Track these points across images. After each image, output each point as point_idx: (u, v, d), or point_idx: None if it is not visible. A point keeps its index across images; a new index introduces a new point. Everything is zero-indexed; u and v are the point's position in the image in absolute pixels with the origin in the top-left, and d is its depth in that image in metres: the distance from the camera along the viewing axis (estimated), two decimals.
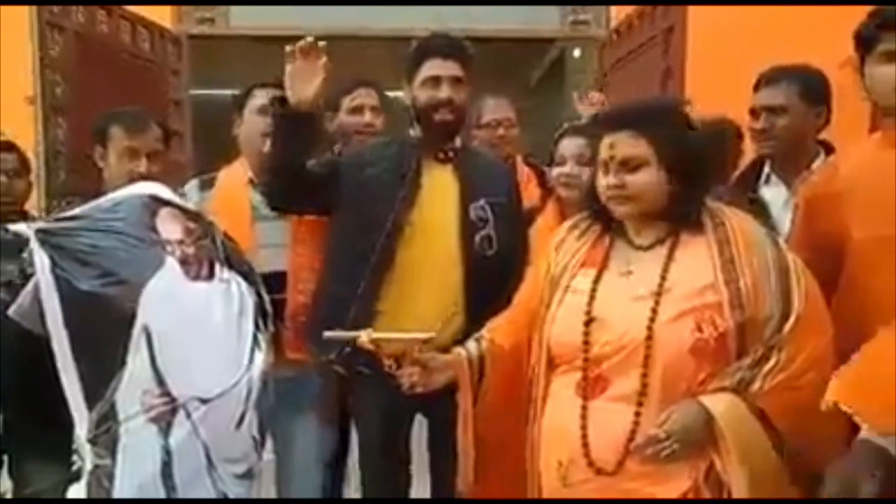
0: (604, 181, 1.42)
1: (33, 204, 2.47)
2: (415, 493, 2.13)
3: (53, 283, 1.40)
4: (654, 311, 1.33)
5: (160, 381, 1.41)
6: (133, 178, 1.94)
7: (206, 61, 4.54)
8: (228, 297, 1.55)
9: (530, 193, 2.38)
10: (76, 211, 1.56)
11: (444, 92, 1.88)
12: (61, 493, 1.50)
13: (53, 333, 1.41)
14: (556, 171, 1.99)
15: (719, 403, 1.30)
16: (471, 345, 1.54)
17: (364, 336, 1.49)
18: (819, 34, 3.41)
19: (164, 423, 1.41)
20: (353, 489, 2.29)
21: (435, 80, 1.89)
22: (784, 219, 1.93)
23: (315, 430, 2.05)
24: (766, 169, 2.00)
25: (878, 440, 1.15)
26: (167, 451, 1.40)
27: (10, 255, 1.51)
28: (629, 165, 1.38)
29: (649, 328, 1.33)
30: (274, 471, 2.08)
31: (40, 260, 1.41)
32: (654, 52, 3.53)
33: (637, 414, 1.33)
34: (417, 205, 1.88)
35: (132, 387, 1.40)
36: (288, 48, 1.81)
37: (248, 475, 1.56)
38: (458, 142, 1.99)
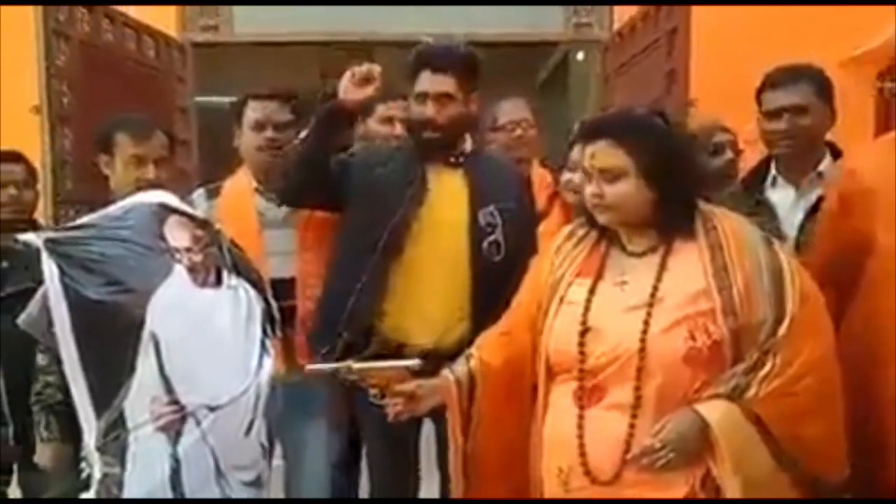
0: (587, 190, 1.43)
1: (40, 213, 2.48)
2: (423, 495, 2.13)
3: (62, 292, 1.41)
4: (647, 322, 1.34)
5: (168, 389, 1.42)
6: (141, 186, 1.95)
7: (210, 69, 4.56)
8: (236, 304, 1.55)
9: (542, 197, 2.37)
10: (84, 220, 1.57)
11: (429, 110, 1.88)
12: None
13: (62, 342, 1.42)
14: (566, 176, 1.99)
15: (714, 411, 1.29)
16: (459, 366, 1.52)
17: (349, 366, 1.50)
18: (821, 35, 3.43)
19: (173, 430, 1.41)
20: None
21: (423, 97, 1.89)
22: (791, 220, 1.93)
23: (325, 436, 2.06)
24: (773, 171, 2.00)
25: None
26: (176, 459, 1.41)
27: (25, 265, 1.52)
28: (607, 175, 1.39)
29: (642, 339, 1.33)
30: (282, 477, 2.08)
31: (49, 269, 1.42)
32: (657, 54, 3.52)
33: (632, 425, 1.33)
34: (425, 207, 1.88)
35: (141, 395, 1.40)
36: (354, 70, 1.87)
37: (256, 482, 1.56)
38: (468, 146, 1.98)
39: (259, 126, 2.05)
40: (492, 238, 1.89)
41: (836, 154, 1.96)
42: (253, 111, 2.06)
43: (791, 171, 1.96)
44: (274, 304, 1.70)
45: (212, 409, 1.44)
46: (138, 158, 1.96)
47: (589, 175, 1.42)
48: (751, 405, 1.29)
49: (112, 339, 1.41)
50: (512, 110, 2.61)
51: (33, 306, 1.49)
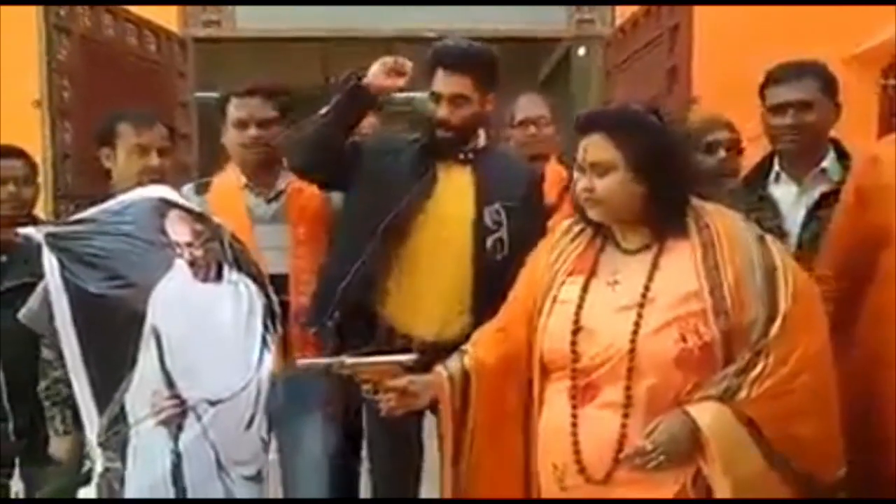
0: (579, 184, 1.43)
1: (40, 207, 2.47)
2: (426, 492, 2.13)
3: (63, 287, 1.40)
4: (638, 322, 1.34)
5: (170, 384, 1.41)
6: (144, 174, 1.95)
7: (212, 64, 4.55)
8: (237, 298, 1.55)
9: (553, 192, 2.37)
10: (85, 214, 1.56)
11: (441, 111, 1.88)
12: (71, 497, 1.51)
13: (63, 337, 1.42)
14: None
15: (705, 413, 1.29)
16: (452, 362, 1.52)
17: (342, 361, 1.49)
18: (823, 32, 3.42)
19: (174, 425, 1.41)
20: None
21: (437, 96, 1.90)
22: (794, 217, 1.92)
23: (320, 429, 2.05)
24: (776, 167, 2.00)
25: None
26: (177, 454, 1.41)
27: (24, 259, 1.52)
28: (598, 169, 1.39)
29: (632, 340, 1.33)
30: (278, 472, 2.08)
31: (49, 263, 1.41)
32: (659, 50, 3.51)
33: (623, 425, 1.34)
34: (431, 201, 1.89)
35: (142, 389, 1.40)
36: (386, 59, 1.88)
37: (257, 477, 1.56)
38: (480, 142, 1.98)
39: (242, 124, 2.02)
40: (496, 235, 1.89)
41: (840, 151, 1.96)
42: (235, 109, 2.03)
43: (794, 168, 1.96)
44: (275, 299, 1.70)
45: (212, 403, 1.44)
46: (141, 147, 1.97)
47: (582, 169, 1.42)
48: (742, 407, 1.29)
49: (113, 333, 1.41)
50: (528, 107, 2.61)
51: (34, 301, 1.49)
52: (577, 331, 1.39)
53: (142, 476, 1.40)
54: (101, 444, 1.41)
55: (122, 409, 1.40)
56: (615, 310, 1.37)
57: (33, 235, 1.44)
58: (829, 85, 1.91)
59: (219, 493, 1.47)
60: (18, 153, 2.20)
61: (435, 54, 1.92)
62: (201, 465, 1.44)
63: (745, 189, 2.02)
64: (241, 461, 1.51)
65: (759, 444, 1.30)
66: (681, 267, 1.37)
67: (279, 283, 1.93)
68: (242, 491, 1.52)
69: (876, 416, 1.58)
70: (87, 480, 1.47)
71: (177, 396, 1.41)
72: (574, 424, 1.38)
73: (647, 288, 1.36)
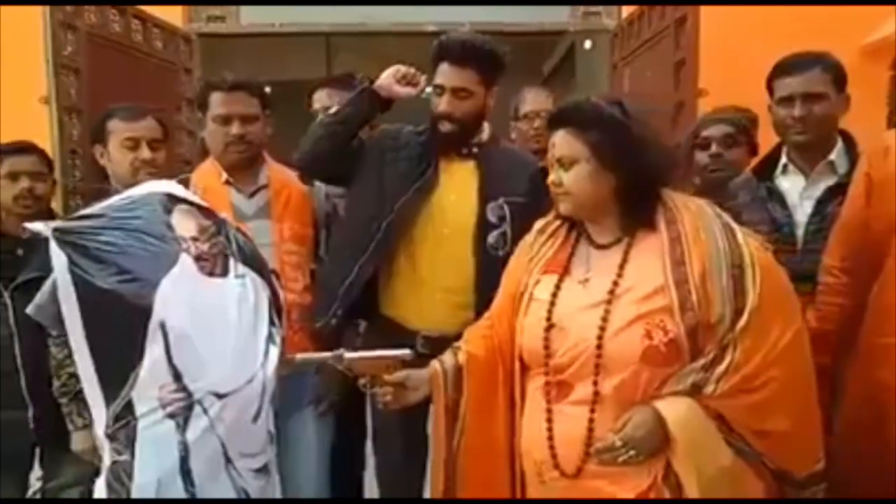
0: (549, 179, 1.45)
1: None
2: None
3: (70, 281, 1.41)
4: (605, 319, 1.35)
5: (177, 377, 1.42)
6: (137, 167, 1.96)
7: (217, 59, 4.56)
8: (243, 292, 1.56)
9: None
10: (92, 209, 1.57)
11: (443, 105, 1.88)
12: (86, 487, 1.52)
13: (71, 331, 1.43)
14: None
15: (672, 408, 1.30)
16: (447, 357, 1.54)
17: (340, 355, 1.50)
18: (829, 24, 3.39)
19: (181, 418, 1.42)
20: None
21: (440, 89, 1.89)
22: (802, 209, 1.91)
23: (314, 423, 2.05)
24: (783, 159, 1.98)
25: None
26: (185, 446, 1.41)
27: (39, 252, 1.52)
28: (564, 163, 1.41)
29: (600, 337, 1.34)
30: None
31: (57, 258, 1.42)
32: (666, 43, 3.49)
33: (591, 420, 1.35)
34: (434, 196, 1.88)
35: (149, 382, 1.41)
36: (400, 68, 1.93)
37: (264, 470, 1.57)
38: (484, 135, 1.98)
39: (225, 119, 1.97)
40: (500, 231, 1.89)
41: (848, 143, 1.94)
42: (218, 104, 1.98)
43: (802, 160, 1.95)
44: (280, 293, 1.71)
45: (219, 396, 1.45)
46: (132, 140, 1.98)
47: (552, 165, 1.44)
48: (710, 402, 1.29)
49: (121, 327, 1.42)
50: (533, 100, 2.61)
51: (42, 296, 1.50)
52: (549, 328, 1.41)
53: (150, 468, 1.40)
54: (108, 437, 1.42)
55: (130, 401, 1.41)
56: (585, 307, 1.39)
57: (41, 230, 1.45)
58: (837, 76, 1.90)
59: (226, 487, 1.47)
60: (32, 148, 2.22)
61: (439, 48, 1.91)
62: (209, 458, 1.44)
63: (754, 180, 2.01)
64: (249, 454, 1.52)
65: (730, 439, 1.30)
66: (649, 261, 1.37)
67: None
68: (251, 483, 1.53)
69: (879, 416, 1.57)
70: (96, 472, 1.48)
71: (184, 389, 1.42)
72: (549, 420, 1.40)
73: (615, 283, 1.37)
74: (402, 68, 1.90)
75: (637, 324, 1.33)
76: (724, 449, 1.30)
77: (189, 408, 1.42)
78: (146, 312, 1.41)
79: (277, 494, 1.67)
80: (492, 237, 1.88)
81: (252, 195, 2.03)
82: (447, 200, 1.90)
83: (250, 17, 4.25)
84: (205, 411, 1.43)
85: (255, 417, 1.51)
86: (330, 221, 2.15)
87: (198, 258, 1.52)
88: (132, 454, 1.40)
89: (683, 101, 3.20)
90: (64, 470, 2.05)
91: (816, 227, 1.86)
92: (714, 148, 2.25)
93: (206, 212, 1.65)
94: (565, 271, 1.46)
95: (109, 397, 1.41)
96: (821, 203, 1.89)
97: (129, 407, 1.41)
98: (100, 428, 1.43)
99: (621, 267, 1.39)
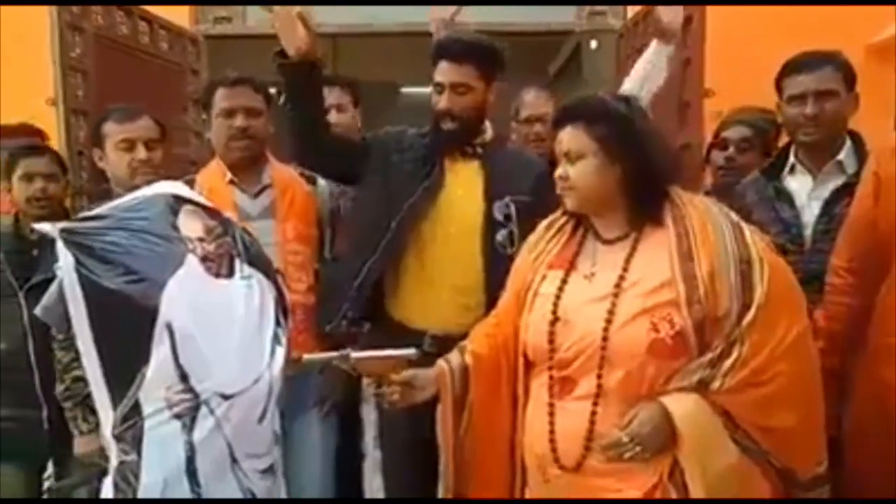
0: (555, 174, 1.46)
1: None
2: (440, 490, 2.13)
3: (77, 282, 1.42)
4: (611, 312, 1.34)
5: (183, 377, 1.43)
6: (135, 168, 1.96)
7: (224, 61, 4.57)
8: (249, 293, 1.56)
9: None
10: (99, 210, 1.58)
11: (444, 102, 1.88)
12: (94, 486, 1.53)
13: (78, 332, 1.44)
14: None
15: (679, 403, 1.29)
16: (453, 356, 1.54)
17: (347, 355, 1.51)
18: (837, 24, 3.37)
19: (188, 418, 1.42)
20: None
21: (440, 87, 1.89)
22: (810, 209, 1.90)
23: (318, 424, 2.05)
24: (791, 159, 1.97)
25: None
26: (191, 447, 1.42)
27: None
28: (570, 157, 1.42)
29: (605, 330, 1.34)
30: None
31: (64, 259, 1.43)
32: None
33: (593, 413, 1.35)
34: (441, 196, 1.88)
35: (156, 383, 1.41)
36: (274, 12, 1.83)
37: (270, 470, 1.57)
38: (487, 135, 1.98)
39: (229, 113, 1.98)
40: (506, 229, 1.88)
41: (857, 142, 1.93)
42: (223, 98, 2.00)
43: (810, 159, 1.94)
44: (286, 293, 1.71)
45: (226, 397, 1.45)
46: (127, 142, 1.98)
47: (559, 160, 1.45)
48: (716, 398, 1.28)
49: (127, 327, 1.42)
50: (533, 103, 2.57)
51: (49, 297, 1.51)
52: (554, 321, 1.41)
53: (157, 469, 1.41)
54: (115, 438, 1.43)
55: (137, 402, 1.41)
56: (590, 301, 1.39)
57: (48, 231, 1.45)
58: (848, 75, 1.89)
59: (232, 487, 1.48)
60: (44, 150, 2.25)
61: (437, 46, 1.92)
62: (215, 459, 1.45)
63: (762, 180, 2.00)
64: (255, 454, 1.52)
65: (736, 437, 1.29)
66: (656, 256, 1.37)
67: None
68: (258, 484, 1.53)
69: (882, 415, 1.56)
70: (104, 472, 1.49)
71: (190, 390, 1.43)
72: (551, 415, 1.40)
73: (621, 277, 1.37)
74: (280, 11, 1.81)
75: (643, 317, 1.32)
76: (731, 446, 1.29)
77: (195, 408, 1.43)
78: (153, 313, 1.41)
79: (283, 495, 1.67)
80: (499, 236, 1.88)
81: (256, 195, 2.03)
82: (453, 200, 1.90)
83: (257, 18, 4.26)
84: (211, 412, 1.44)
85: (261, 418, 1.52)
86: (334, 221, 2.15)
87: (204, 259, 1.53)
88: (139, 454, 1.41)
89: (689, 100, 3.19)
90: (74, 470, 2.06)
91: (824, 228, 1.85)
92: (730, 150, 2.24)
93: (212, 212, 1.65)
94: (571, 266, 1.46)
95: (116, 398, 1.42)
96: (829, 203, 1.88)
97: (135, 407, 1.41)
98: (107, 428, 1.44)
99: (627, 261, 1.39)
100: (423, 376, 1.52)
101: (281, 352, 1.57)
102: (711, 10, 3.21)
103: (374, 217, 1.90)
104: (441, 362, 1.54)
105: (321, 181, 2.15)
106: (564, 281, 1.44)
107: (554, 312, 1.41)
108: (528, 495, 1.50)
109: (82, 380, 1.74)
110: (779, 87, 1.96)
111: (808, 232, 1.88)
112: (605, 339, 1.34)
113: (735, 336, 1.29)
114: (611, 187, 1.41)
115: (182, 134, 3.63)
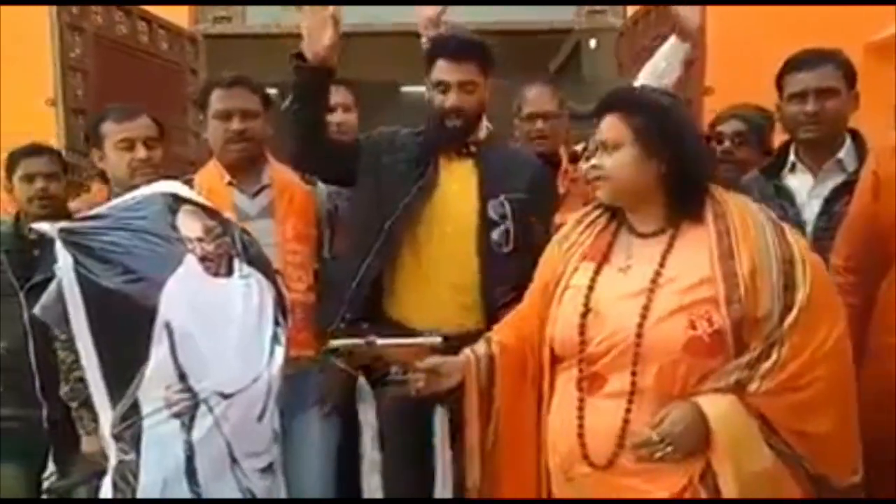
0: (590, 162, 1.45)
1: None
2: (440, 490, 2.13)
3: (76, 282, 1.42)
4: (647, 308, 1.32)
5: (182, 377, 1.43)
6: (135, 168, 1.96)
7: (223, 60, 4.57)
8: (248, 292, 1.56)
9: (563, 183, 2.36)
10: (98, 210, 1.58)
11: (451, 99, 1.87)
12: (93, 486, 1.53)
13: (76, 331, 1.44)
14: (586, 165, 1.96)
15: (714, 404, 1.27)
16: (479, 346, 1.53)
17: (374, 341, 1.49)
18: (837, 22, 3.37)
19: (187, 417, 1.42)
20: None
21: (444, 85, 1.88)
22: (810, 207, 1.90)
23: (318, 423, 2.04)
24: (791, 157, 1.97)
25: None
26: (190, 446, 1.42)
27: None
28: (607, 146, 1.40)
29: (640, 325, 1.32)
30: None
31: (63, 259, 1.43)
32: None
33: (627, 411, 1.32)
34: (435, 197, 1.88)
35: (154, 382, 1.42)
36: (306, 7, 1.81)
37: (270, 469, 1.57)
38: (482, 134, 1.97)
39: (226, 115, 1.96)
40: (502, 228, 1.88)
41: (857, 141, 1.93)
42: (219, 100, 1.98)
43: (810, 158, 1.93)
44: (285, 293, 1.71)
45: (225, 396, 1.45)
46: (127, 141, 1.97)
47: (596, 148, 1.43)
48: (753, 400, 1.26)
49: (126, 327, 1.42)
50: (536, 101, 2.52)
51: (47, 296, 1.51)
52: (585, 314, 1.38)
53: (156, 468, 1.41)
54: (114, 437, 1.43)
55: (135, 401, 1.41)
56: (624, 295, 1.36)
57: (47, 231, 1.45)
58: (848, 73, 1.89)
59: (232, 486, 1.48)
60: (45, 150, 2.25)
61: (435, 45, 1.92)
62: (214, 458, 1.45)
63: (762, 178, 2.00)
64: (254, 453, 1.52)
65: (770, 441, 1.27)
66: (695, 253, 1.35)
67: None
68: (257, 483, 1.53)
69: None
70: (104, 472, 1.49)
71: (189, 389, 1.43)
72: (580, 414, 1.37)
73: (658, 273, 1.35)
74: (310, 9, 1.80)
75: (680, 314, 1.30)
76: (766, 451, 1.26)
77: (194, 408, 1.43)
78: (151, 312, 1.41)
79: (283, 494, 1.67)
80: (495, 234, 1.88)
81: (255, 195, 2.02)
82: (448, 199, 1.90)
83: (256, 18, 4.26)
84: (210, 411, 1.43)
85: (260, 417, 1.52)
86: (333, 220, 2.14)
87: (203, 258, 1.53)
88: (138, 454, 1.41)
89: (690, 99, 3.18)
90: (74, 469, 2.06)
91: (825, 226, 1.85)
92: (726, 144, 2.24)
93: (211, 212, 1.65)
94: (605, 259, 1.42)
95: (115, 397, 1.42)
96: (829, 202, 1.88)
97: (134, 407, 1.41)
98: (106, 428, 1.44)
99: (664, 257, 1.36)
100: (450, 364, 1.49)
101: (280, 351, 1.57)
102: (711, 10, 3.21)
103: (368, 218, 1.90)
104: (467, 351, 1.51)
105: None
106: (597, 273, 1.41)
107: (585, 305, 1.38)
108: (554, 495, 1.46)
109: (84, 380, 1.74)
110: (779, 86, 1.95)
111: (808, 230, 1.88)
112: (639, 335, 1.31)
113: (775, 338, 1.27)
114: (648, 181, 1.38)
115: (181, 134, 3.63)
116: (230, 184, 2.02)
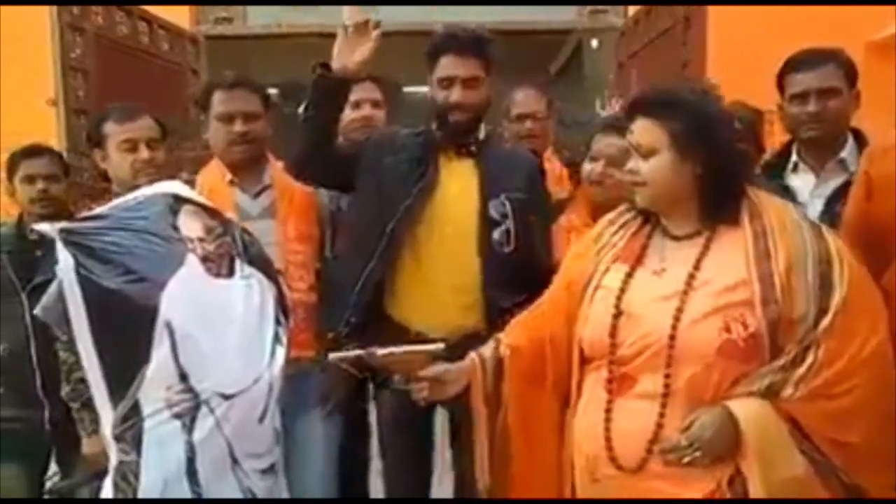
0: (627, 166, 1.41)
1: None
2: (437, 490, 2.13)
3: (77, 282, 1.41)
4: (680, 310, 1.30)
5: (183, 377, 1.42)
6: (137, 168, 1.96)
7: (224, 61, 4.58)
8: (249, 293, 1.56)
9: (565, 186, 2.35)
10: (99, 210, 1.58)
11: (456, 95, 1.86)
12: (95, 486, 1.53)
13: (77, 332, 1.43)
14: (587, 166, 1.95)
15: (745, 409, 1.25)
16: (486, 348, 1.50)
17: (374, 352, 1.47)
18: (837, 22, 3.37)
19: (188, 418, 1.42)
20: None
21: (448, 81, 1.88)
22: (812, 207, 1.89)
23: (320, 424, 2.03)
24: (794, 157, 1.97)
25: None
26: (191, 447, 1.42)
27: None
28: (642, 151, 1.37)
29: (673, 327, 1.29)
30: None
31: (64, 259, 1.43)
32: (672, 41, 3.48)
33: (661, 415, 1.30)
34: (436, 197, 1.88)
35: (155, 383, 1.41)
36: (346, 17, 1.81)
37: (271, 470, 1.57)
38: (481, 134, 1.97)
39: (228, 118, 1.96)
40: (503, 227, 1.88)
41: (860, 140, 1.92)
42: (220, 102, 1.98)
43: (812, 157, 1.93)
44: (287, 293, 1.71)
45: (226, 397, 1.45)
46: (129, 142, 1.97)
47: (629, 151, 1.40)
48: (786, 406, 1.23)
49: (127, 327, 1.42)
50: (524, 102, 2.59)
51: (48, 297, 1.51)
52: (617, 315, 1.36)
53: (157, 469, 1.41)
54: (115, 438, 1.42)
55: (136, 402, 1.41)
56: (658, 298, 1.34)
57: (48, 231, 1.45)
58: (849, 72, 1.88)
59: (233, 487, 1.48)
60: (46, 151, 2.24)
61: (440, 41, 1.90)
62: (215, 459, 1.44)
63: (764, 178, 1.99)
64: (255, 454, 1.52)
65: (803, 448, 1.24)
66: (731, 255, 1.32)
67: None
68: (258, 484, 1.53)
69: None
70: (105, 472, 1.49)
71: (190, 390, 1.42)
72: (608, 415, 1.35)
73: (692, 276, 1.32)
74: (352, 16, 1.78)
75: (715, 316, 1.27)
76: (798, 457, 1.23)
77: (195, 408, 1.42)
78: (152, 313, 1.41)
79: (284, 495, 1.67)
80: (496, 234, 1.87)
81: (257, 195, 2.02)
82: (448, 199, 1.89)
83: (257, 19, 4.27)
84: (211, 411, 1.43)
85: (262, 418, 1.51)
86: (335, 220, 2.14)
87: (204, 259, 1.52)
88: (139, 454, 1.41)
89: None
90: (76, 469, 2.06)
91: (828, 226, 1.84)
92: None
93: (212, 212, 1.65)
94: (638, 261, 1.40)
95: (116, 398, 1.42)
96: (831, 201, 1.87)
97: (135, 407, 1.41)
98: (107, 428, 1.44)
99: (699, 259, 1.33)
100: (453, 371, 1.47)
101: (281, 351, 1.56)
102: (711, 10, 3.21)
103: (370, 219, 1.89)
104: (473, 355, 1.49)
105: None
106: (630, 275, 1.39)
107: (617, 306, 1.36)
108: (578, 496, 1.44)
109: (85, 381, 1.74)
110: (780, 86, 1.95)
111: None
112: (672, 337, 1.28)
113: (810, 341, 1.23)
114: (685, 185, 1.35)
115: (181, 134, 3.62)
116: (232, 183, 2.02)
